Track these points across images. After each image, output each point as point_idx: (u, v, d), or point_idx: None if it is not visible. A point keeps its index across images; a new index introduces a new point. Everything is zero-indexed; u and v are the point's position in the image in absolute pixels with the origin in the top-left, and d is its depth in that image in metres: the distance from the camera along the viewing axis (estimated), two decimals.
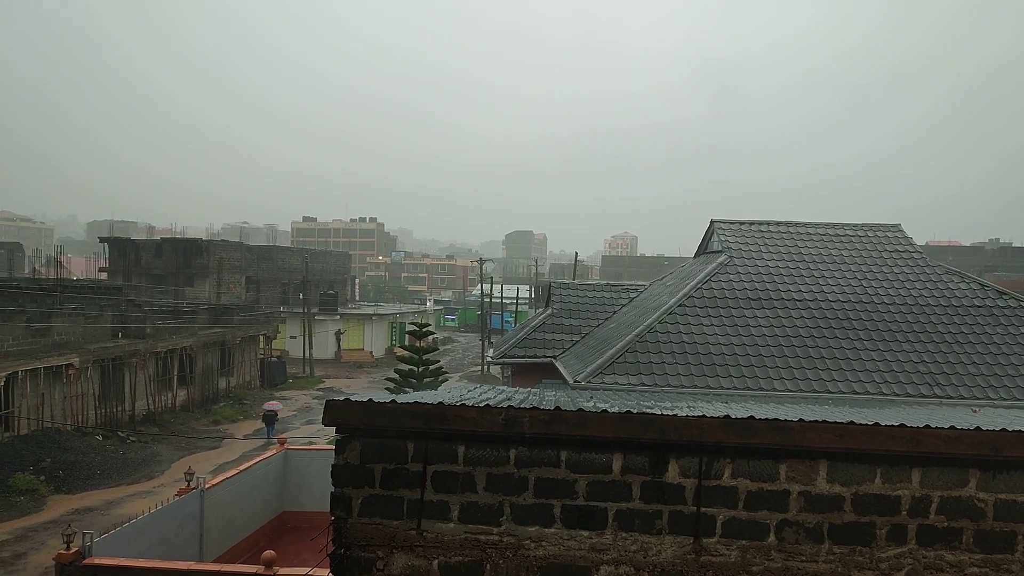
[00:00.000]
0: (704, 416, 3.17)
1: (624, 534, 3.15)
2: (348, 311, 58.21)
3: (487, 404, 3.34)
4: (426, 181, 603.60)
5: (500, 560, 3.16)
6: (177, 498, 12.92)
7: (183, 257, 50.02)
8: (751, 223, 16.77)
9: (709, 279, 14.38)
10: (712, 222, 17.04)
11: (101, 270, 52.15)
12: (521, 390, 6.30)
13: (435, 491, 3.22)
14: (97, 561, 10.07)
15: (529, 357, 16.74)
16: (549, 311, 18.41)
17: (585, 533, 3.16)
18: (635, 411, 3.27)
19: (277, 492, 16.08)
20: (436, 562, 3.18)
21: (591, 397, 6.16)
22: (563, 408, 3.24)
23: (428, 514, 3.21)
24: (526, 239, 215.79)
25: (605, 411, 3.23)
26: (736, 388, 11.67)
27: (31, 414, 23.98)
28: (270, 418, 30.08)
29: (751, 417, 3.18)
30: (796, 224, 16.79)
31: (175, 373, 32.38)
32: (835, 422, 3.14)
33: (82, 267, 77.99)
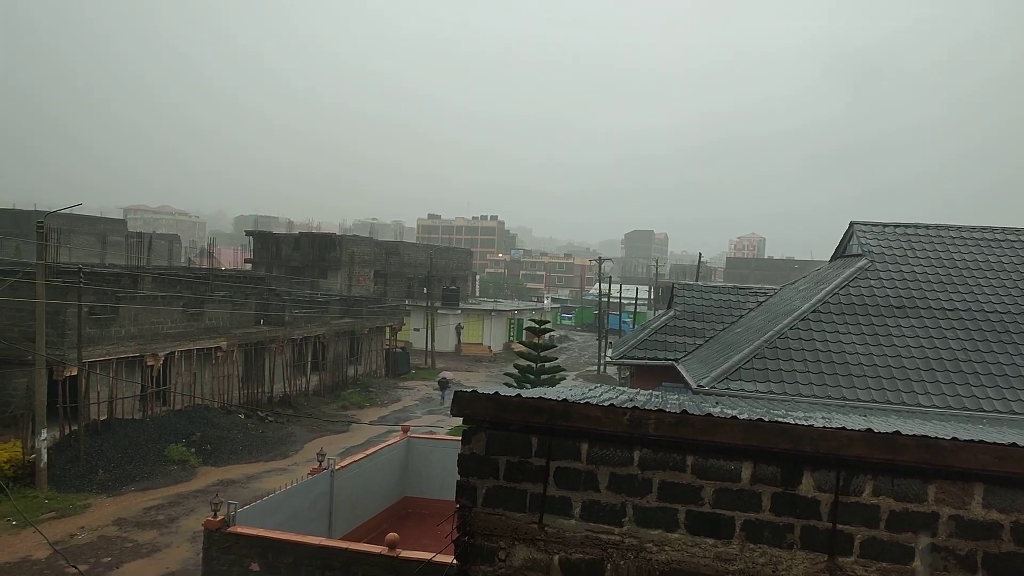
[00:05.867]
0: (844, 428, 3.00)
1: (752, 545, 3.04)
2: (468, 306, 59.62)
3: (611, 404, 3.32)
4: (547, 186, 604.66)
5: (621, 561, 3.14)
6: (310, 477, 13.77)
7: (318, 250, 53.02)
8: (895, 225, 15.62)
9: (847, 284, 13.55)
10: (851, 224, 16.03)
11: (246, 261, 56.12)
12: (643, 392, 6.21)
13: (557, 487, 3.24)
14: (240, 530, 10.94)
15: (649, 359, 16.45)
16: (671, 313, 18.00)
17: (710, 541, 3.07)
18: (767, 419, 3.14)
19: (399, 478, 16.76)
20: (557, 557, 3.20)
21: (717, 403, 5.97)
22: (690, 412, 3.17)
23: (550, 509, 3.24)
24: (646, 238, 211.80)
25: (735, 417, 3.13)
26: (875, 401, 10.92)
27: (184, 391, 26.35)
28: (444, 383, 35.91)
29: (896, 432, 2.97)
30: (947, 227, 15.46)
31: (309, 359, 34.48)
32: (994, 443, 2.88)
33: (230, 258, 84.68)
